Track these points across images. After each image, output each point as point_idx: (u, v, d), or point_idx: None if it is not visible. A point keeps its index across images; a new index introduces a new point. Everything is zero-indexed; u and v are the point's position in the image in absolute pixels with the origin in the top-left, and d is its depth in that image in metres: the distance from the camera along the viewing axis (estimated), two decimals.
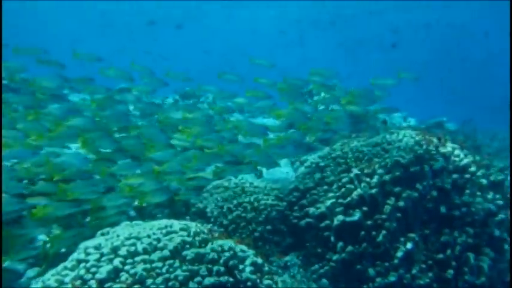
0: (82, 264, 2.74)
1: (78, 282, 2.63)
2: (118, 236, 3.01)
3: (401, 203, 3.68)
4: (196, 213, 4.07)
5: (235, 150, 3.32)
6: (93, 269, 2.70)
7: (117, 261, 2.77)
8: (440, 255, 3.61)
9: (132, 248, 2.88)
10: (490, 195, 3.89)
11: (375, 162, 3.92)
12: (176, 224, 3.24)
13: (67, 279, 2.65)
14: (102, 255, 2.80)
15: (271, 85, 3.76)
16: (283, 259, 3.88)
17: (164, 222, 3.28)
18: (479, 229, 3.70)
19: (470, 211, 3.72)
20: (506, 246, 3.85)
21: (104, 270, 2.69)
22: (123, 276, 2.71)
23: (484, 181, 3.93)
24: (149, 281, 2.72)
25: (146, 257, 2.87)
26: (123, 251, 2.84)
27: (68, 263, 2.78)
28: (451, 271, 3.55)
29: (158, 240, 3.02)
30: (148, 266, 2.81)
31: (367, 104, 3.77)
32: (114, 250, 2.86)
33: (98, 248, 2.87)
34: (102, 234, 3.14)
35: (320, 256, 3.89)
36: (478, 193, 3.87)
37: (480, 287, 3.53)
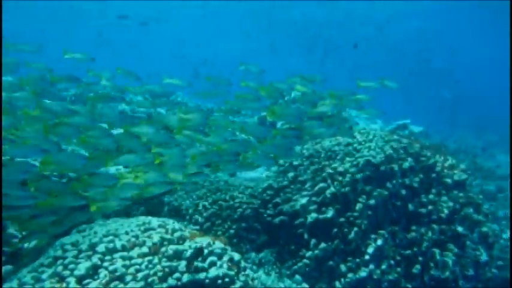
0: (59, 261, 2.71)
1: (55, 279, 2.61)
2: (96, 232, 2.99)
3: (372, 201, 3.82)
4: (171, 210, 4.07)
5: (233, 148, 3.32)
6: (71, 266, 2.67)
7: (95, 258, 2.76)
8: (408, 251, 3.77)
9: (111, 245, 2.87)
10: (454, 194, 4.09)
11: (347, 162, 4.04)
12: (154, 221, 3.25)
13: (44, 276, 2.62)
14: (80, 251, 2.78)
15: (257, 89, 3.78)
16: (258, 256, 3.94)
17: (142, 219, 3.28)
18: (444, 226, 3.89)
19: (436, 209, 3.90)
20: (468, 242, 4.06)
21: (82, 267, 2.67)
22: (102, 273, 2.70)
23: (448, 180, 4.13)
24: (128, 278, 2.72)
25: (125, 253, 2.87)
26: (101, 248, 2.83)
27: (44, 260, 2.74)
28: (418, 266, 3.72)
29: (137, 237, 3.02)
30: (127, 262, 2.81)
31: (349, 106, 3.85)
32: (92, 247, 2.84)
33: (75, 244, 2.84)
34: (78, 231, 3.10)
35: (293, 253, 3.98)
36: (443, 192, 4.07)
37: (445, 281, 3.71)
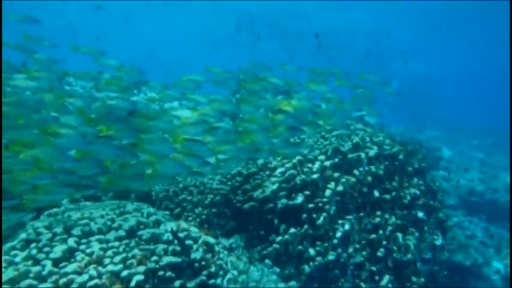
0: (33, 244, 2.60)
1: (30, 262, 2.50)
2: (69, 216, 2.89)
3: (340, 188, 3.95)
4: (140, 196, 4.00)
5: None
6: (46, 249, 2.58)
7: (71, 241, 2.67)
8: (373, 236, 3.94)
9: (87, 228, 2.79)
10: (414, 181, 4.31)
11: (316, 149, 4.15)
12: (129, 205, 3.19)
13: (18, 259, 2.50)
14: (54, 235, 2.68)
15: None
16: (228, 241, 3.96)
17: (115, 203, 3.22)
18: (406, 211, 4.09)
19: (398, 195, 4.10)
20: (426, 228, 4.30)
21: (58, 250, 2.58)
22: (79, 255, 2.62)
23: (410, 168, 4.35)
24: (107, 260, 2.66)
25: (101, 236, 2.80)
26: (77, 231, 2.75)
27: (17, 243, 2.62)
28: (382, 250, 3.90)
29: (112, 220, 2.96)
30: (104, 245, 2.74)
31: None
32: (68, 230, 2.75)
33: (49, 228, 2.74)
34: (50, 215, 2.98)
35: (263, 238, 4.03)
36: (405, 179, 4.28)
37: (407, 263, 3.92)
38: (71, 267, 2.54)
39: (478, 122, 20.69)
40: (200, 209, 3.96)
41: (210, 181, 4.13)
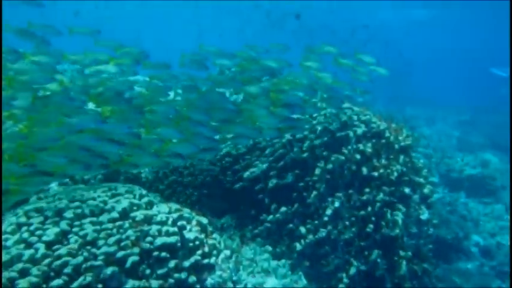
0: (24, 228, 2.55)
1: (22, 246, 2.45)
2: (60, 199, 2.84)
3: (329, 166, 3.98)
4: (129, 179, 3.95)
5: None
6: (39, 232, 2.53)
7: (64, 224, 2.63)
8: (362, 212, 4.00)
9: (79, 211, 2.75)
10: (401, 159, 4.38)
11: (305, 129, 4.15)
12: (120, 187, 3.15)
13: (9, 243, 2.45)
14: (46, 218, 2.64)
15: None
16: (220, 221, 3.97)
17: (107, 185, 3.17)
18: (393, 188, 4.16)
19: (386, 172, 4.16)
20: (412, 203, 4.39)
21: (51, 233, 2.54)
22: (73, 238, 2.59)
23: (396, 146, 4.41)
24: (101, 242, 2.63)
25: (94, 219, 2.76)
26: (69, 214, 2.70)
27: (7, 227, 2.56)
28: (371, 225, 3.97)
29: (105, 202, 2.92)
30: (98, 227, 2.71)
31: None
32: (59, 213, 2.70)
33: (40, 211, 2.68)
34: (39, 199, 2.92)
35: (254, 218, 4.06)
36: (392, 156, 4.34)
37: (395, 238, 4.00)
38: (64, 250, 2.50)
39: (457, 100, 21.03)
40: (191, 190, 3.95)
41: (200, 162, 4.11)
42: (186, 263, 2.94)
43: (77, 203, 2.82)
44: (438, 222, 5.18)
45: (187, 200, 3.89)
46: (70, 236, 2.61)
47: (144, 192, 3.24)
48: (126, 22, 30.75)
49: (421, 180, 4.59)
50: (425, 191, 4.52)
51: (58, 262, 2.44)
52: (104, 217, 2.81)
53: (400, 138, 4.54)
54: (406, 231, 4.27)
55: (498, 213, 9.26)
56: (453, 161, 10.39)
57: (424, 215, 4.31)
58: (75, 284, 2.40)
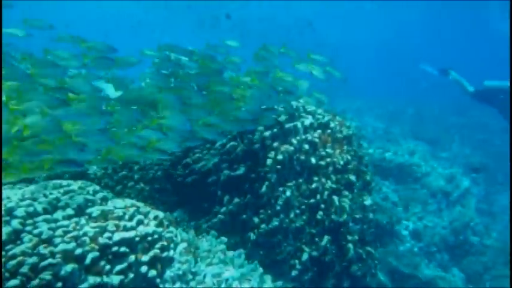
0: None
1: None
2: (9, 197, 2.67)
3: (280, 157, 4.08)
4: (75, 175, 3.78)
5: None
6: None
7: (15, 223, 2.48)
8: (312, 200, 4.15)
9: (31, 209, 2.61)
10: (345, 147, 4.59)
11: None
12: (73, 183, 3.02)
13: None
14: None
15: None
16: (172, 215, 3.92)
17: (58, 182, 3.02)
18: (339, 175, 4.35)
19: (332, 161, 4.34)
20: (356, 190, 4.62)
21: (2, 233, 2.38)
22: (26, 237, 2.45)
23: (339, 135, 4.62)
24: (57, 240, 2.52)
25: (48, 216, 2.63)
26: (20, 212, 2.55)
27: None
28: (320, 213, 4.13)
29: (57, 199, 2.79)
30: (53, 225, 2.59)
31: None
32: (9, 212, 2.54)
33: None
34: None
35: (206, 210, 4.06)
36: (336, 145, 4.54)
37: (343, 223, 4.19)
38: (18, 249, 2.37)
39: (382, 92, 22.16)
40: (142, 185, 3.86)
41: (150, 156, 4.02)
42: (146, 257, 2.90)
43: (27, 201, 2.67)
44: (377, 208, 5.49)
45: (139, 195, 3.81)
46: (23, 235, 2.47)
47: (97, 188, 3.14)
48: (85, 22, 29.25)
49: (363, 167, 4.84)
50: (367, 178, 4.77)
51: (13, 262, 2.31)
52: (58, 214, 2.69)
53: (343, 128, 4.75)
54: (352, 217, 4.49)
55: (424, 198, 9.98)
56: (383, 149, 11.02)
57: (368, 201, 4.56)
58: (34, 282, 2.29)
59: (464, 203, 10.21)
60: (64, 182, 3.02)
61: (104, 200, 3.05)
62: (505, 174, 13.30)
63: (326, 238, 4.08)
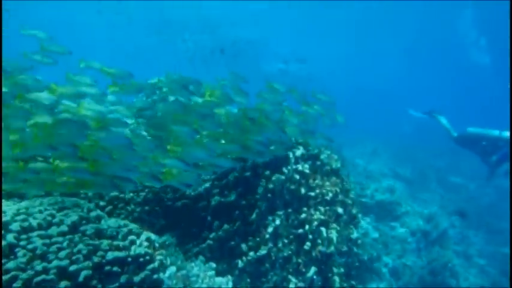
0: None
1: None
2: (4, 212, 2.64)
3: (271, 185, 4.14)
4: (67, 195, 3.74)
5: None
6: None
7: (10, 237, 2.46)
8: (300, 230, 4.19)
9: (26, 224, 2.59)
10: (333, 179, 4.68)
11: None
12: (68, 200, 3.01)
13: None
14: None
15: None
16: (161, 239, 3.90)
17: (53, 198, 3.01)
18: (328, 207, 4.42)
19: (321, 192, 4.42)
20: (342, 223, 4.69)
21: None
22: (20, 251, 2.43)
23: (328, 168, 4.72)
24: (51, 256, 2.50)
25: (43, 232, 2.61)
26: (15, 227, 2.53)
27: None
28: (308, 243, 4.16)
29: (52, 215, 2.77)
30: (47, 241, 2.57)
31: None
32: (4, 226, 2.51)
33: None
34: None
35: (195, 235, 4.06)
36: (325, 177, 4.63)
37: (330, 255, 4.23)
38: (13, 264, 2.34)
39: (366, 126, 22.45)
40: (132, 206, 3.85)
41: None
42: (137, 278, 2.88)
43: (22, 216, 2.65)
44: (363, 242, 5.55)
45: (129, 217, 3.79)
46: (17, 249, 2.44)
47: (92, 206, 3.13)
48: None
49: (350, 201, 4.92)
50: (353, 211, 4.85)
51: (6, 277, 2.27)
52: (52, 230, 2.67)
53: (332, 161, 4.86)
54: (338, 250, 4.53)
55: (403, 236, 10.10)
56: (363, 186, 11.18)
57: (354, 234, 4.62)
58: None
59: (443, 244, 10.35)
60: (59, 199, 3.00)
61: (98, 218, 3.03)
62: (478, 218, 13.63)
63: (313, 269, 4.10)
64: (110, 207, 3.78)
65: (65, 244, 2.62)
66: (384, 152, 18.24)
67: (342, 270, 4.33)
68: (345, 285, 4.44)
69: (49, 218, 2.73)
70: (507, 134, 8.18)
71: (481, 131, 8.49)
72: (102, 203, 3.76)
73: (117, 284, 2.73)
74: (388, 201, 10.70)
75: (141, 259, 2.98)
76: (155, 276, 3.04)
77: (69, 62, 3.59)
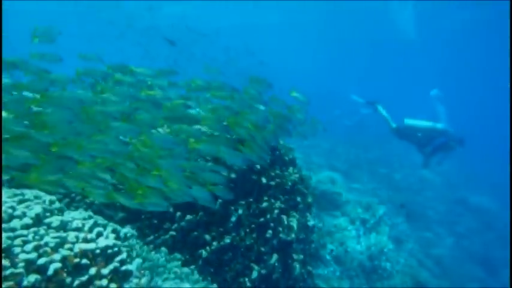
0: None
1: None
2: None
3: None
4: (20, 185, 3.50)
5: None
6: None
7: None
8: (262, 219, 4.24)
9: None
10: (290, 170, 4.78)
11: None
12: (28, 192, 2.83)
13: None
14: None
15: None
16: (122, 231, 3.78)
17: (11, 191, 2.81)
18: (287, 196, 4.51)
19: (282, 182, 4.50)
20: (299, 212, 4.80)
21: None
22: None
23: (286, 158, 4.81)
24: (17, 249, 2.35)
25: (5, 225, 2.44)
26: None
27: None
28: (270, 231, 4.23)
29: (13, 208, 2.60)
30: (11, 234, 2.41)
31: None
32: None
33: None
34: None
35: (157, 227, 3.97)
36: (284, 168, 4.71)
37: (290, 242, 4.32)
38: None
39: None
40: (91, 199, 3.68)
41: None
42: (106, 270, 2.78)
43: None
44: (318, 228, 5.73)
45: (88, 210, 3.63)
46: None
47: (53, 198, 2.96)
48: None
49: (305, 190, 5.05)
50: (309, 199, 4.99)
51: None
52: (15, 223, 2.50)
53: (288, 151, 4.95)
54: (296, 237, 4.64)
55: (344, 224, 10.54)
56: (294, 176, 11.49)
57: (311, 222, 4.76)
58: None
59: (379, 230, 10.91)
60: (17, 191, 2.81)
61: (60, 210, 2.88)
62: (405, 205, 14.59)
63: (275, 256, 4.17)
64: (67, 200, 3.60)
65: (30, 237, 2.47)
66: (325, 142, 18.83)
67: (302, 257, 4.44)
68: (303, 271, 4.57)
69: (10, 211, 2.55)
70: (440, 125, 8.76)
71: (416, 122, 8.99)
72: (58, 196, 3.56)
73: (86, 277, 2.62)
74: (330, 191, 11.08)
75: (110, 250, 2.88)
76: (124, 267, 2.95)
77: None
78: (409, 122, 8.98)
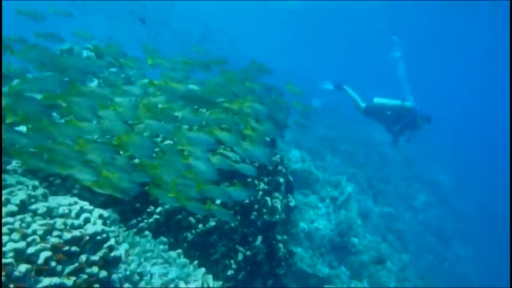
0: None
1: None
2: None
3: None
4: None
5: None
6: None
7: None
8: (246, 201, 4.21)
9: None
10: (271, 150, 4.75)
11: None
12: (10, 178, 2.67)
13: None
14: None
15: None
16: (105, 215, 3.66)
17: None
18: (270, 177, 4.49)
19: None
20: (283, 188, 4.80)
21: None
22: None
23: (268, 139, 4.77)
24: (5, 238, 2.22)
25: None
26: None
27: None
28: (254, 213, 4.21)
29: None
30: None
31: None
32: None
33: None
34: None
35: (139, 211, 3.87)
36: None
37: (275, 223, 4.33)
38: None
39: None
40: (71, 183, 3.53)
41: None
42: (96, 257, 2.68)
43: None
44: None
45: (68, 194, 3.47)
46: None
47: (36, 183, 2.82)
48: None
49: (284, 170, 5.05)
50: (290, 179, 5.00)
51: None
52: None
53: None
54: (280, 217, 4.65)
55: (314, 202, 10.72)
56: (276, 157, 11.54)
57: (292, 202, 4.77)
58: None
59: (348, 207, 11.15)
60: None
61: (44, 196, 2.74)
62: (368, 182, 15.03)
63: (260, 238, 4.16)
64: (45, 184, 3.43)
65: (16, 225, 2.34)
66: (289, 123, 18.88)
67: (285, 237, 4.47)
68: (285, 251, 4.60)
69: None
70: (408, 104, 8.92)
71: (385, 101, 9.10)
72: (36, 180, 3.39)
73: (76, 264, 2.53)
74: (301, 170, 11.18)
75: (99, 237, 2.77)
76: (112, 253, 2.85)
77: None
78: (379, 100, 9.07)
